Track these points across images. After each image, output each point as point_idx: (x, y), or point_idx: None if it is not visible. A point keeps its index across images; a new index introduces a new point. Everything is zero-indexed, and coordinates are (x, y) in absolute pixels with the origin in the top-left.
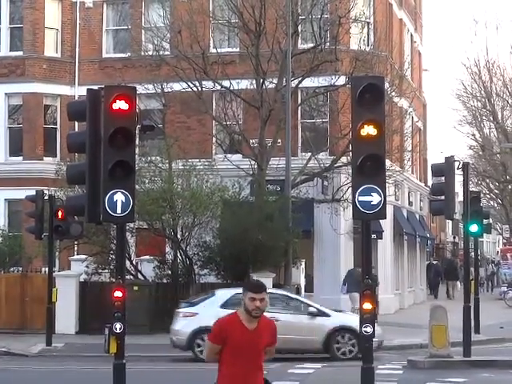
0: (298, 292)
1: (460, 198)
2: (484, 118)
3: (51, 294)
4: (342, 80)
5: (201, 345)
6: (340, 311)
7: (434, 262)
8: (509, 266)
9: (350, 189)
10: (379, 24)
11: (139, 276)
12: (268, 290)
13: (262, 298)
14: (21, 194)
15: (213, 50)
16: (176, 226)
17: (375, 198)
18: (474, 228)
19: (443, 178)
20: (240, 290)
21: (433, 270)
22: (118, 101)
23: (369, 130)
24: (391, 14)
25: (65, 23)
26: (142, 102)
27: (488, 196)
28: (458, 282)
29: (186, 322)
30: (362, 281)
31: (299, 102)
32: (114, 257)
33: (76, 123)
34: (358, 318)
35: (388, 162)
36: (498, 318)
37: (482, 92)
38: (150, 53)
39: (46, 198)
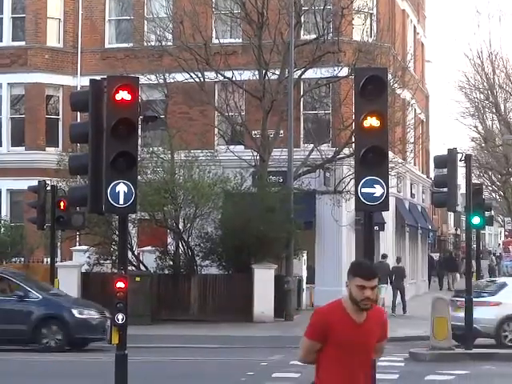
0: (299, 283)
1: (462, 190)
2: (487, 109)
3: (53, 284)
4: (344, 71)
5: (507, 330)
6: None
7: (432, 255)
8: (511, 258)
9: (352, 180)
10: (382, 15)
11: (141, 267)
12: None
13: (374, 285)
14: (23, 184)
15: (215, 41)
16: (178, 217)
17: (378, 190)
18: (476, 220)
19: (445, 169)
20: None
21: (436, 264)
22: (120, 91)
23: (371, 122)
24: (394, 5)
25: (67, 13)
26: (144, 93)
27: (490, 188)
28: (458, 274)
29: (490, 311)
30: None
31: (301, 93)
32: (115, 247)
33: (78, 113)
34: None
35: (390, 154)
36: None
37: (485, 84)
38: (153, 43)
39: (48, 188)
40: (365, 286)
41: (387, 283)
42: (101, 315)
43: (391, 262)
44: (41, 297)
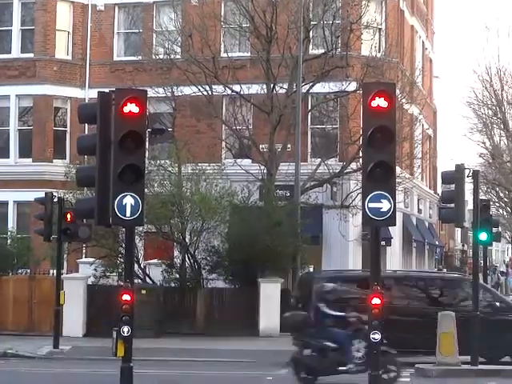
0: None
1: (469, 206)
2: (495, 126)
3: (59, 296)
4: (352, 86)
5: None
6: None
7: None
8: None
9: (360, 195)
10: (391, 30)
11: (147, 279)
12: None
13: None
14: (30, 196)
15: (224, 55)
16: (184, 230)
17: (385, 205)
18: (483, 236)
19: (453, 185)
20: None
21: None
22: (128, 104)
23: (379, 137)
24: (403, 20)
25: (76, 26)
26: (151, 106)
27: (497, 204)
28: None
29: None
30: None
31: (309, 107)
32: (122, 260)
33: (86, 126)
34: None
35: (398, 169)
36: None
37: (493, 100)
38: (161, 56)
39: (55, 200)
40: None
41: None
42: None
43: None
44: None
